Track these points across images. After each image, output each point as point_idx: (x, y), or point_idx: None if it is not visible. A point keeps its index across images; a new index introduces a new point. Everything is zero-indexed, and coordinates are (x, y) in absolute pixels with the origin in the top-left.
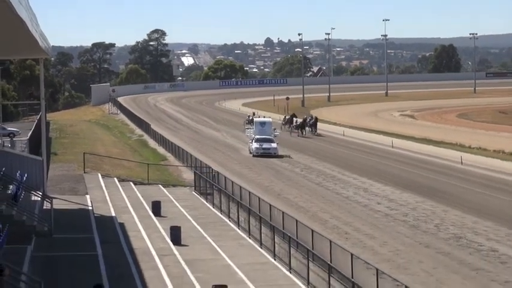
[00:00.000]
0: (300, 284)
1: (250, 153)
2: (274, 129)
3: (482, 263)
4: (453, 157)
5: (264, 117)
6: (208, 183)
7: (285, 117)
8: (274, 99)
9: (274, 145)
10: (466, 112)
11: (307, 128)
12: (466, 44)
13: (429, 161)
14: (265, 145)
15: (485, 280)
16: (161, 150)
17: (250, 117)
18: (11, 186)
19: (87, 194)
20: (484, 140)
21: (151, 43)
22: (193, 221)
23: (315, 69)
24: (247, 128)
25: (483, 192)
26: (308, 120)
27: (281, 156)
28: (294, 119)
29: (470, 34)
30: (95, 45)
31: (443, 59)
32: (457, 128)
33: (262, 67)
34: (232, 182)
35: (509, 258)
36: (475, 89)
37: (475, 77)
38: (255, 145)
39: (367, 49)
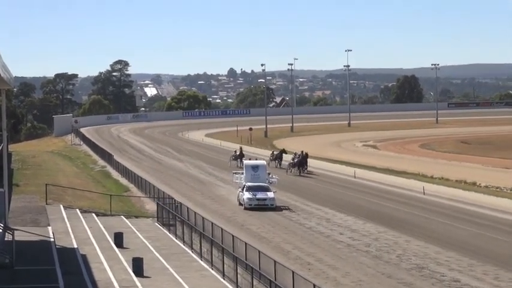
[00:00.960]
0: None
1: (241, 204)
2: (269, 173)
3: None
4: (415, 187)
5: (257, 159)
6: (171, 214)
7: (273, 152)
8: (237, 130)
9: (270, 194)
10: (429, 142)
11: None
12: (428, 74)
13: (391, 191)
14: (259, 195)
15: None
16: (124, 181)
17: (237, 153)
18: None
19: (49, 225)
20: (446, 170)
21: (114, 74)
22: (155, 252)
23: (278, 99)
24: (236, 173)
25: (445, 222)
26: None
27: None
28: (284, 155)
29: (432, 65)
30: (57, 75)
31: (406, 90)
32: (420, 158)
33: (225, 98)
34: (195, 212)
35: None
36: (437, 119)
37: (437, 108)
38: (246, 195)
39: (330, 79)
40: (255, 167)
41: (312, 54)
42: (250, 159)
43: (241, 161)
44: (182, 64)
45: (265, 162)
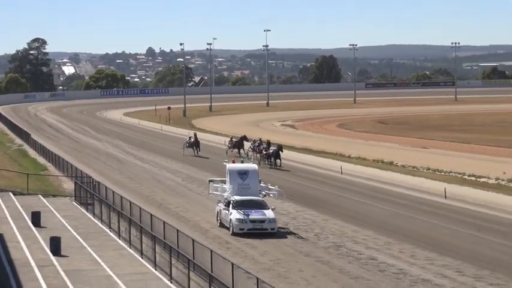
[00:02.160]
0: None
1: (224, 226)
2: (260, 180)
3: (361, 271)
4: (333, 166)
5: (243, 161)
6: (89, 193)
7: (231, 139)
8: (155, 109)
9: (269, 213)
10: (346, 122)
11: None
12: (346, 55)
13: (310, 171)
14: (254, 214)
15: None
16: (41, 160)
17: (192, 140)
18: None
19: None
20: (363, 149)
21: (32, 52)
22: (73, 232)
23: (197, 79)
24: (212, 182)
25: (363, 201)
26: (257, 145)
27: None
28: (246, 142)
29: (350, 45)
30: None
31: (324, 70)
32: (337, 138)
33: (143, 77)
34: (113, 191)
35: (388, 267)
36: (355, 99)
37: (354, 88)
38: (235, 215)
39: (249, 59)
40: (242, 173)
41: (231, 34)
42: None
43: (238, 150)
44: (100, 43)
45: (256, 167)
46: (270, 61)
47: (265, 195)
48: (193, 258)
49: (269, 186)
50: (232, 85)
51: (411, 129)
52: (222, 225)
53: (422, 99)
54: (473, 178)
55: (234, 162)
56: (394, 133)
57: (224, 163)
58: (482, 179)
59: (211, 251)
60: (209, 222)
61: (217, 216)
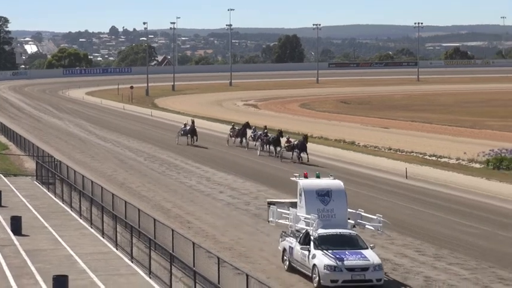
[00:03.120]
0: (142, 273)
1: (305, 275)
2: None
3: None
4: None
5: (319, 174)
6: (50, 173)
7: (233, 126)
8: (118, 88)
9: (372, 256)
10: (309, 102)
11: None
12: (310, 34)
13: (272, 150)
14: (351, 258)
15: None
16: (2, 139)
17: (187, 127)
18: None
19: None
20: (325, 129)
21: None
22: (34, 211)
23: (160, 58)
24: (273, 204)
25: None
26: (259, 134)
27: None
28: (249, 130)
29: (313, 25)
30: None
31: (287, 49)
32: (300, 118)
33: (106, 56)
34: (74, 171)
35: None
36: (317, 79)
37: (317, 68)
38: (322, 259)
39: (212, 39)
40: (323, 194)
41: (194, 13)
42: (290, 145)
43: (241, 139)
44: (63, 21)
45: (341, 184)
46: (233, 40)
47: (354, 226)
48: (155, 238)
49: (362, 213)
50: (196, 64)
51: (373, 109)
52: (293, 269)
53: (385, 79)
54: (434, 158)
55: (306, 176)
56: (357, 113)
57: (295, 178)
58: (443, 159)
59: (173, 230)
60: (171, 201)
61: (283, 256)
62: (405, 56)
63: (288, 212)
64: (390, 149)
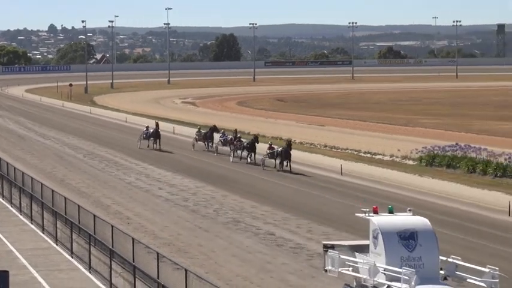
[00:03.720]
0: (82, 268)
1: None
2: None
3: (259, 246)
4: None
5: (392, 208)
6: None
7: (199, 129)
8: (57, 85)
9: None
10: (246, 100)
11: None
12: (246, 33)
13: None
14: None
15: (262, 262)
16: None
17: (151, 130)
18: None
19: None
20: (262, 126)
21: None
22: None
23: (99, 56)
24: (333, 247)
25: (261, 177)
26: (230, 138)
27: None
28: (217, 134)
29: (250, 24)
30: None
31: (224, 48)
32: (237, 115)
33: (45, 53)
34: (14, 167)
35: (285, 241)
36: (254, 77)
37: (254, 66)
38: None
39: (150, 37)
40: (407, 238)
41: (132, 12)
42: (271, 150)
43: (207, 142)
44: (1, 19)
45: (428, 223)
46: (171, 39)
47: (446, 278)
48: (94, 234)
49: (458, 261)
50: (134, 63)
51: (309, 107)
52: None
53: (320, 78)
54: (368, 155)
55: (377, 211)
56: (293, 111)
57: (363, 215)
58: (378, 156)
59: (112, 226)
60: (110, 198)
61: None
62: (340, 55)
63: (355, 259)
64: (326, 146)
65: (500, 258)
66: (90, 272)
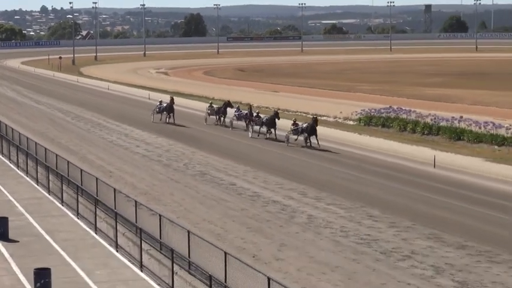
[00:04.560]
0: (71, 214)
1: None
2: None
3: (223, 194)
4: (200, 107)
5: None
6: None
7: (211, 104)
8: (48, 58)
9: None
10: (211, 70)
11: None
12: (211, 13)
13: (180, 111)
14: None
15: (224, 208)
16: None
17: (164, 105)
18: None
19: None
20: (225, 93)
21: None
22: None
23: (84, 33)
24: None
25: (225, 136)
26: (245, 113)
27: None
28: (231, 109)
29: (214, 5)
30: None
31: (192, 26)
32: (204, 83)
33: (38, 31)
34: (12, 129)
35: (244, 190)
36: (218, 50)
37: (218, 41)
38: None
39: (128, 16)
40: None
41: None
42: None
43: (219, 117)
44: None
45: None
46: (146, 18)
47: None
48: (82, 185)
49: None
50: (114, 38)
51: (266, 76)
52: None
53: (275, 51)
54: (315, 116)
55: None
56: (251, 79)
57: None
58: (324, 118)
59: (97, 178)
60: (95, 154)
61: None
62: (291, 32)
63: None
64: (279, 109)
65: (423, 203)
66: (78, 218)
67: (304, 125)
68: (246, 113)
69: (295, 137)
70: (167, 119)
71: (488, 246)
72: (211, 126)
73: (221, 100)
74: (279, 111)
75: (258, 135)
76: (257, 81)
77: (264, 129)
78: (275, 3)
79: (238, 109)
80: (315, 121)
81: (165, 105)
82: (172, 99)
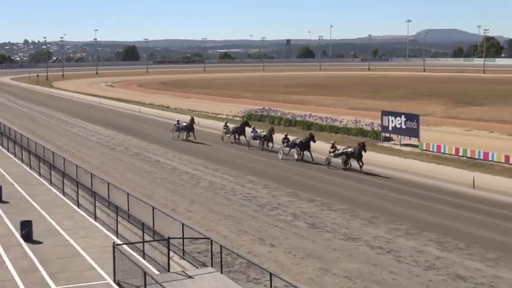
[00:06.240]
0: (46, 183)
1: None
2: None
3: (151, 168)
4: (134, 109)
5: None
6: None
7: (226, 123)
8: (30, 76)
9: None
10: (143, 83)
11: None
12: (142, 45)
13: (123, 111)
14: None
15: (152, 177)
16: None
17: (184, 124)
18: None
19: None
20: (152, 99)
21: None
22: None
23: (54, 58)
24: None
25: (152, 128)
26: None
27: None
28: (249, 129)
29: (144, 39)
30: None
31: (129, 53)
32: (138, 93)
33: (22, 57)
34: (3, 124)
35: (166, 165)
36: (147, 70)
37: (147, 64)
38: None
39: (85, 47)
40: None
41: (75, 31)
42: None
43: (235, 137)
44: None
45: None
46: (98, 48)
47: None
48: (53, 163)
49: None
50: (76, 62)
51: (180, 87)
52: None
53: (186, 71)
54: (214, 114)
55: None
56: (170, 89)
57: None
58: (219, 115)
59: (64, 158)
60: (62, 141)
61: None
62: (197, 57)
63: None
64: (189, 110)
65: (273, 167)
66: (51, 185)
67: (350, 149)
68: (265, 134)
69: (337, 159)
70: (187, 137)
71: (328, 199)
72: (238, 147)
73: (178, 109)
74: (188, 111)
75: (287, 155)
76: (174, 90)
77: (294, 151)
78: (186, 38)
79: (254, 129)
80: (362, 147)
81: (184, 124)
82: (192, 119)
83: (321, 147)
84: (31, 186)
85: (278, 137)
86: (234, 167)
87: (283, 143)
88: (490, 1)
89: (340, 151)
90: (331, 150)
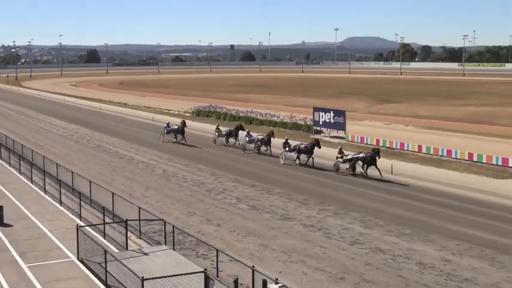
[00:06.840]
0: (16, 172)
1: None
2: None
3: (111, 158)
4: (96, 106)
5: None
6: None
7: (218, 126)
8: (0, 76)
9: None
10: (103, 83)
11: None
12: (102, 48)
13: (84, 108)
14: None
15: (112, 166)
16: None
17: (175, 127)
18: None
19: None
20: (111, 96)
21: None
22: None
23: (23, 60)
24: None
25: (113, 123)
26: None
27: None
28: (242, 132)
29: (104, 43)
30: None
31: (91, 56)
32: (98, 92)
33: None
34: None
35: (125, 155)
36: (107, 71)
37: (107, 66)
38: None
39: (51, 50)
40: None
41: (42, 36)
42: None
43: (227, 140)
44: None
45: None
46: (62, 51)
47: None
48: (22, 154)
49: None
50: (42, 64)
51: (136, 87)
52: None
53: (142, 72)
54: (167, 110)
55: None
56: (128, 89)
57: None
58: (172, 111)
59: (32, 150)
60: (30, 135)
61: None
62: (152, 60)
63: None
64: (145, 107)
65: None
66: (20, 175)
67: (361, 155)
68: (263, 138)
69: (345, 165)
70: (175, 139)
71: (268, 184)
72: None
73: (135, 106)
74: (144, 107)
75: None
76: (132, 90)
77: (303, 157)
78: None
79: (248, 133)
80: (376, 152)
81: (175, 127)
82: (184, 122)
83: (278, 142)
84: (2, 175)
85: (278, 141)
86: (182, 156)
87: (284, 148)
88: (406, 12)
89: (349, 157)
90: (339, 155)
